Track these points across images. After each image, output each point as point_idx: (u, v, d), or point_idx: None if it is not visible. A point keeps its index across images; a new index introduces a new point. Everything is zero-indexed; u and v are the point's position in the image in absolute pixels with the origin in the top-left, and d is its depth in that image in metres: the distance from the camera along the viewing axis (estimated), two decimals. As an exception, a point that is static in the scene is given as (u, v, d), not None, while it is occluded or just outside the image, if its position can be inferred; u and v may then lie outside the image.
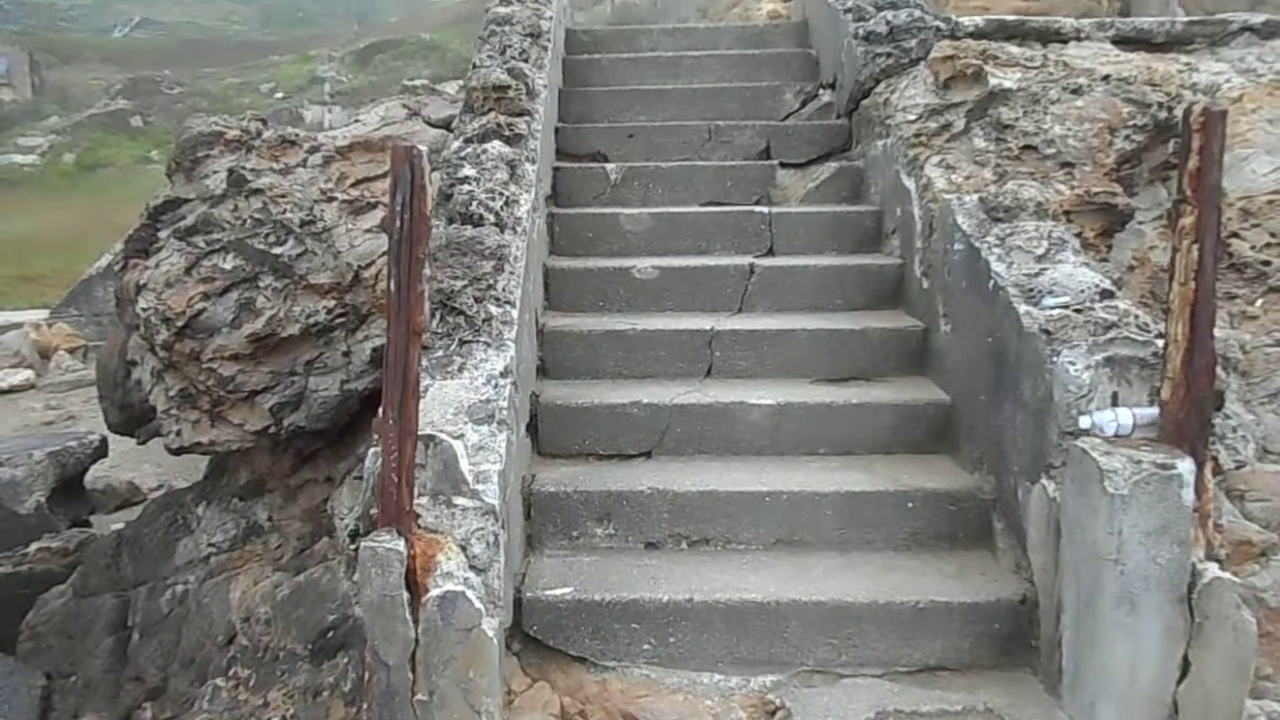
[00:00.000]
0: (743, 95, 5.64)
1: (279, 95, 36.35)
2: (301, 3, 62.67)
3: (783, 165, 5.14)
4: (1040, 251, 3.23)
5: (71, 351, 12.11)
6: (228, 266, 4.84)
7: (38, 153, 33.45)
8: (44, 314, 13.65)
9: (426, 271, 2.85)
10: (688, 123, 5.42)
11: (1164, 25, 5.35)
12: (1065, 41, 5.24)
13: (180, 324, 4.72)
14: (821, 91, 5.55)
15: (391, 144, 5.33)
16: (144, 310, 4.85)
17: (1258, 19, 5.38)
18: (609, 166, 5.15)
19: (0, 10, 51.80)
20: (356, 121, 6.72)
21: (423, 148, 2.81)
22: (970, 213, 3.57)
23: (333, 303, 4.85)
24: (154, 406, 5.06)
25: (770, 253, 4.64)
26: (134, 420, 5.53)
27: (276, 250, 4.82)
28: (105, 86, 37.90)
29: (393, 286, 2.71)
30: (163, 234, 5.21)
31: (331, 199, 5.13)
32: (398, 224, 2.70)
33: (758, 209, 4.79)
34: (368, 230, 5.02)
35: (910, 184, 4.14)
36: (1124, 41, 5.26)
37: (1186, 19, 5.40)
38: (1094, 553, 2.64)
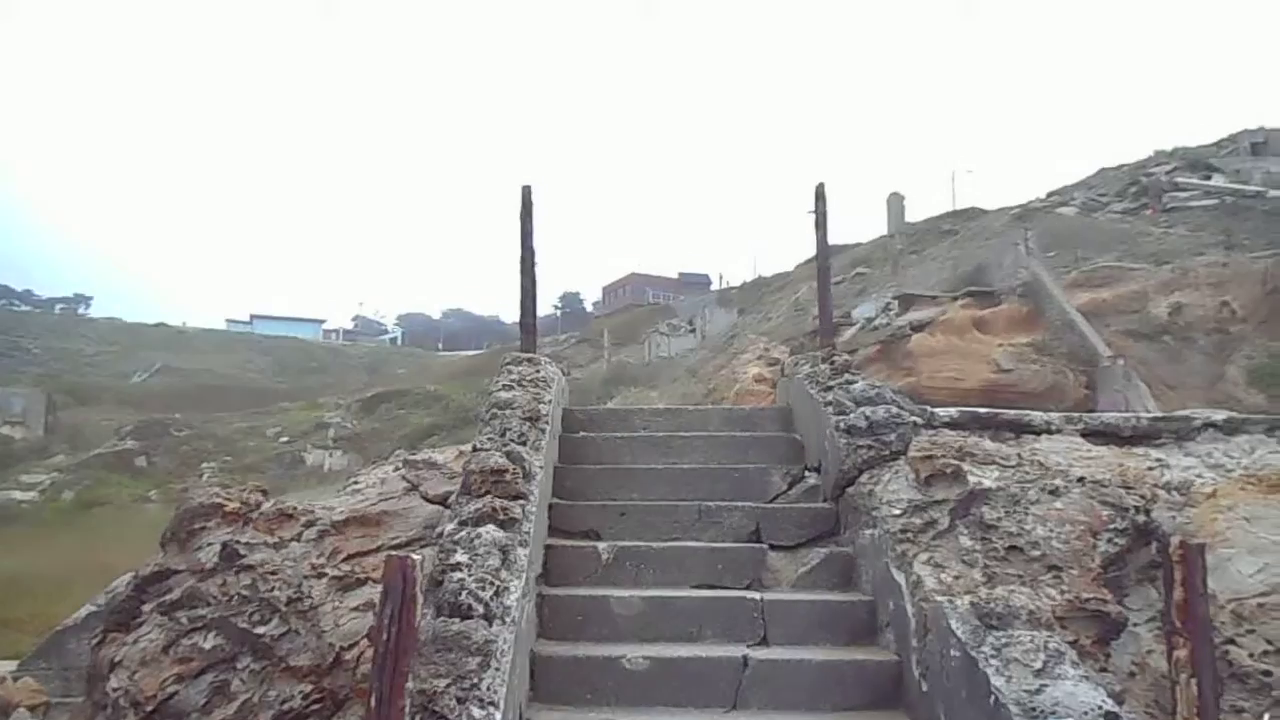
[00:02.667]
0: (731, 476, 5.82)
1: (284, 440, 37.49)
2: (316, 353, 66.66)
3: (773, 548, 5.18)
4: (1038, 665, 3.17)
5: (33, 709, 11.37)
6: (207, 646, 4.71)
7: (38, 490, 33.77)
8: (13, 665, 12.99)
9: (410, 685, 2.77)
10: (679, 503, 5.54)
11: (1130, 421, 5.66)
12: (1037, 434, 5.52)
13: (149, 708, 4.51)
14: (808, 474, 5.74)
15: (387, 522, 5.44)
16: (115, 690, 4.66)
17: (1219, 416, 5.70)
18: (601, 545, 5.18)
19: (28, 354, 54.98)
20: (354, 484, 6.84)
21: (416, 557, 2.85)
22: (964, 618, 3.55)
23: (310, 687, 4.66)
24: (102, 801, 4.68)
25: (764, 642, 4.53)
26: (77, 814, 5.09)
27: (259, 630, 4.73)
28: (116, 428, 39.12)
29: (373, 701, 2.63)
30: (146, 607, 5.13)
31: (322, 574, 5.11)
32: (385, 636, 2.68)
33: (749, 594, 4.76)
34: (355, 608, 4.95)
35: (900, 579, 4.16)
36: (1093, 434, 5.55)
37: (1150, 415, 5.73)
38: None
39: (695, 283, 67.63)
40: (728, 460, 6.09)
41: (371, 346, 79.07)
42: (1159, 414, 5.97)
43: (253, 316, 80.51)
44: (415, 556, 2.80)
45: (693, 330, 38.40)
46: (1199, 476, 4.98)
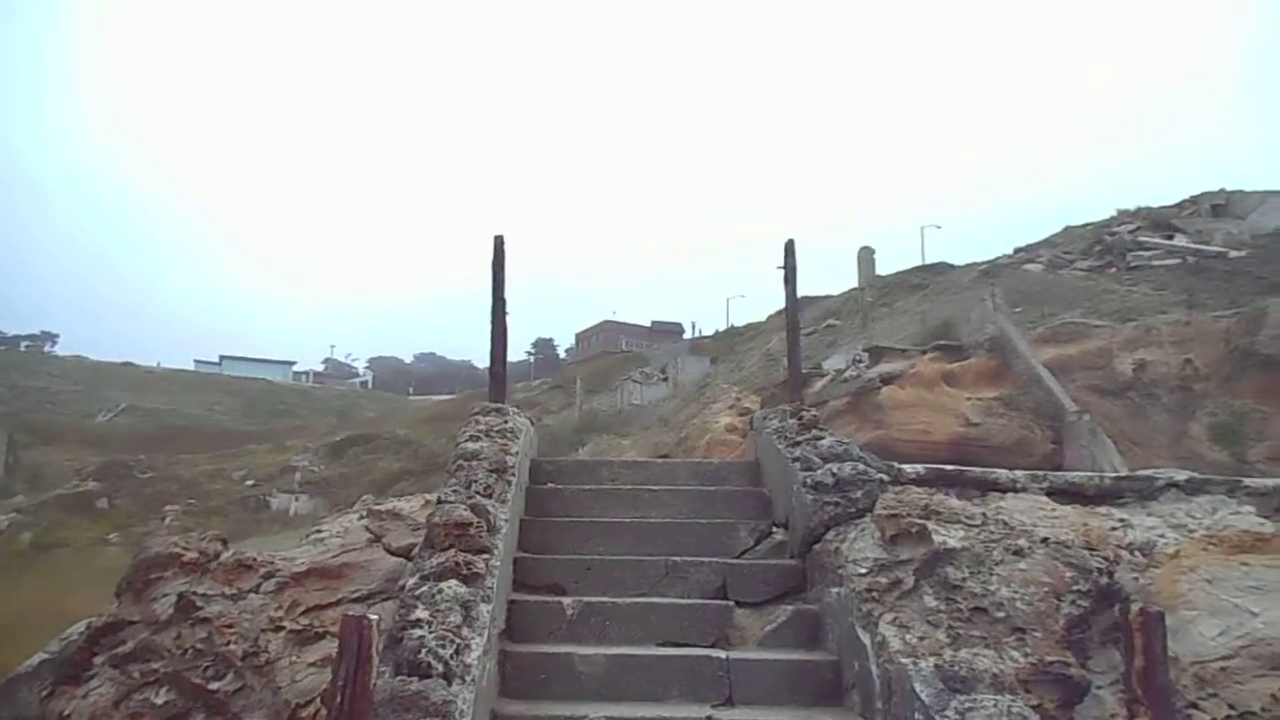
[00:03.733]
0: (698, 530, 5.78)
1: (249, 483, 36.89)
2: (285, 395, 65.98)
3: (739, 604, 5.13)
4: (1001, 730, 3.15)
5: (-27, 762, 10.98)
6: (159, 701, 4.59)
7: (-5, 531, 32.92)
8: (-42, 718, 12.57)
9: (363, 750, 2.71)
10: (645, 557, 5.49)
11: (1094, 480, 5.69)
12: (1003, 492, 5.54)
13: (92, 767, 4.36)
14: (775, 530, 5.72)
15: (347, 574, 5.34)
16: (57, 748, 4.50)
17: (1181, 475, 5.74)
18: (566, 600, 5.12)
19: (-10, 392, 53.91)
20: (317, 533, 6.74)
21: (373, 616, 2.80)
22: (928, 680, 3.53)
23: (263, 746, 4.54)
24: None
25: (729, 702, 4.47)
26: None
27: (214, 685, 4.62)
28: (78, 468, 38.34)
29: (324, 767, 2.55)
30: (98, 659, 5.01)
31: (280, 628, 5.01)
32: (338, 699, 2.62)
33: (715, 653, 4.71)
34: (312, 663, 4.85)
35: (866, 639, 4.13)
36: (1058, 493, 5.57)
37: (1114, 475, 5.77)
38: None
39: (668, 331, 67.91)
40: (695, 515, 6.05)
41: (341, 389, 78.41)
42: (1123, 473, 6.02)
43: (222, 357, 79.59)
44: (372, 615, 2.75)
45: (665, 379, 38.42)
46: (1161, 537, 5.01)
